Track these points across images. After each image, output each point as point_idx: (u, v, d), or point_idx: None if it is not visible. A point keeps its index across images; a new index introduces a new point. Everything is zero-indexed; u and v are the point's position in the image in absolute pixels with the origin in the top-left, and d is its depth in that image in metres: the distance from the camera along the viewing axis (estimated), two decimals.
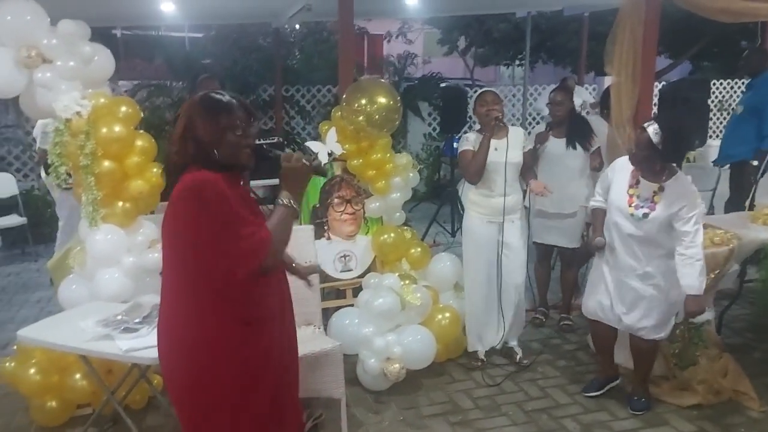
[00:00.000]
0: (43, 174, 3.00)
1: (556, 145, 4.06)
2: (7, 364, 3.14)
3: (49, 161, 3.01)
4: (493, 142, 3.53)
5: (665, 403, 3.33)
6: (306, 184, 1.89)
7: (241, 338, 1.86)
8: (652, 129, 2.93)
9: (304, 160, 1.84)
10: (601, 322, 3.29)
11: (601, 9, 6.93)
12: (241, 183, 1.92)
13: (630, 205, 3.06)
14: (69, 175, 3.05)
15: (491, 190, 3.61)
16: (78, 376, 3.05)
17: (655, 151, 2.94)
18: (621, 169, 3.17)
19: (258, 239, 1.78)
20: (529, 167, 3.75)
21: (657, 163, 3.01)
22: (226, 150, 1.80)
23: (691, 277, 2.90)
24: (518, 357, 3.79)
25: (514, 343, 3.84)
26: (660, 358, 3.49)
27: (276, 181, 1.87)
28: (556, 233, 4.19)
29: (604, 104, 4.66)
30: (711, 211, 5.34)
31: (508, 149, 3.52)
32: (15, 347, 3.19)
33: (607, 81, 4.70)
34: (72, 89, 2.94)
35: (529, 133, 4.28)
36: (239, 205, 1.79)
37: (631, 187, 3.09)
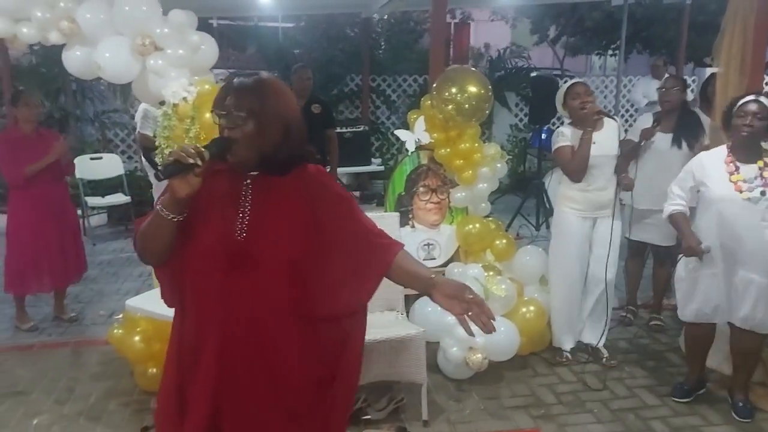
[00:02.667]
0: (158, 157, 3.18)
1: (660, 139, 3.88)
2: (115, 330, 3.39)
3: (156, 143, 3.20)
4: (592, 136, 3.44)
5: (762, 411, 3.16)
6: (172, 195, 1.49)
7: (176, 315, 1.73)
8: (764, 98, 2.89)
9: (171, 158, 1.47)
10: (701, 325, 3.15)
11: None
12: (245, 182, 1.62)
13: (741, 192, 2.91)
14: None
15: (588, 184, 3.51)
16: None
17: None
18: (712, 164, 3.02)
19: (137, 221, 1.69)
20: (625, 160, 3.61)
21: (766, 135, 2.92)
22: None
23: None
24: (604, 357, 3.69)
25: (600, 344, 3.74)
26: (758, 364, 3.32)
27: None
28: (650, 230, 4.03)
29: (703, 96, 4.43)
30: None
31: (604, 142, 3.42)
32: (121, 315, 3.44)
33: (707, 73, 4.46)
34: (180, 76, 3.11)
35: (627, 128, 4.12)
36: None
37: (732, 174, 2.95)
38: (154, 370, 3.31)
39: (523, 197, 6.50)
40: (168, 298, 1.72)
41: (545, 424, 3.11)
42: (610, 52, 13.30)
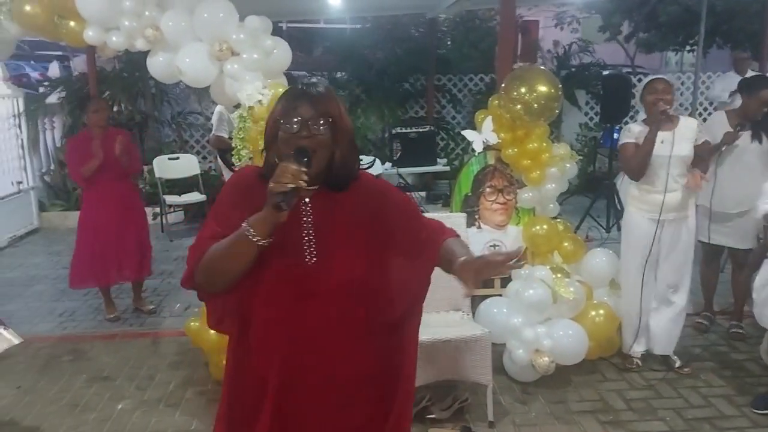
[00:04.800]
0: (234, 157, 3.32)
1: (743, 138, 3.71)
2: (192, 323, 3.56)
3: (233, 145, 3.33)
4: (660, 134, 3.32)
5: None
6: (273, 210, 1.39)
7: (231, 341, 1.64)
8: None
9: (272, 182, 1.38)
10: None
11: None
12: (304, 200, 1.52)
13: None
14: (250, 159, 3.36)
15: (653, 185, 3.40)
16: None
17: None
18: None
19: (192, 247, 1.54)
20: (702, 160, 3.47)
21: None
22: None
23: None
24: (677, 364, 3.57)
25: (669, 352, 3.61)
26: None
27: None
28: (728, 233, 3.86)
29: None
30: None
31: (675, 142, 3.30)
32: (198, 309, 3.60)
33: None
34: (255, 79, 3.24)
35: (704, 120, 3.96)
36: (233, 209, 1.51)
37: None
38: None
39: (593, 198, 6.34)
40: (223, 326, 1.62)
41: (614, 430, 3.04)
42: (687, 47, 12.74)
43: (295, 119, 1.46)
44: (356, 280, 1.52)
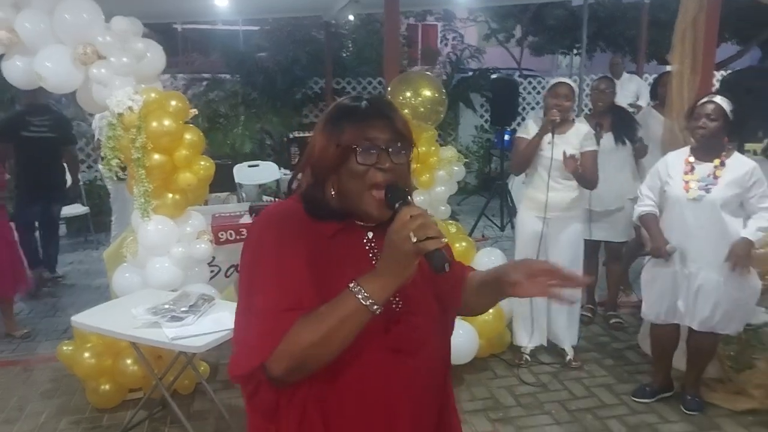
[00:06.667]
0: (100, 166, 3.11)
1: (604, 140, 3.91)
2: (65, 348, 3.30)
3: (102, 154, 3.12)
4: (548, 136, 3.43)
5: (719, 408, 3.20)
6: (408, 269, 1.12)
7: None
8: (719, 99, 2.91)
9: (413, 235, 1.08)
10: (667, 325, 3.17)
11: None
12: (367, 236, 1.26)
13: (688, 191, 2.95)
14: (122, 168, 3.16)
15: (537, 185, 3.53)
16: (129, 361, 3.17)
17: (726, 120, 2.89)
18: (673, 163, 3.06)
19: (258, 326, 1.14)
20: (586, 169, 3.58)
21: (724, 135, 2.95)
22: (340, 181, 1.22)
23: (752, 226, 2.92)
24: (568, 358, 3.70)
25: (566, 346, 3.73)
26: (715, 360, 3.36)
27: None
28: (606, 228, 4.07)
29: (653, 94, 4.51)
30: None
31: (559, 146, 3.41)
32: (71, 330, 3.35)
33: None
34: (125, 85, 3.04)
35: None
36: (299, 262, 1.16)
37: (686, 173, 3.00)
38: (107, 386, 3.25)
39: (488, 198, 6.53)
40: (278, 415, 1.23)
41: (504, 426, 3.10)
42: (574, 51, 13.44)
43: (372, 147, 1.18)
44: (438, 314, 1.30)
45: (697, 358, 3.17)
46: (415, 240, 1.07)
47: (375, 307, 1.11)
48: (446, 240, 1.11)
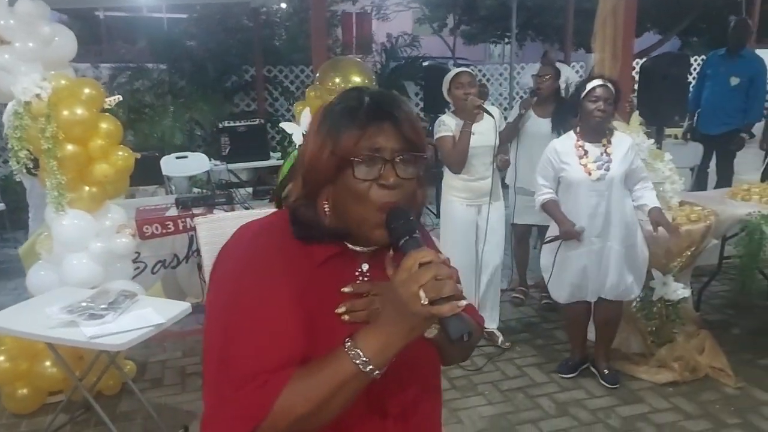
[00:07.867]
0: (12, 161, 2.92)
1: (540, 124, 4.00)
2: None
3: (8, 146, 2.93)
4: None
5: (641, 381, 3.33)
6: (416, 331, 0.97)
7: None
8: (607, 81, 3.05)
9: (424, 296, 0.91)
10: (578, 303, 3.27)
11: None
12: (360, 268, 1.11)
13: (590, 174, 3.06)
14: (33, 161, 2.97)
15: (469, 174, 3.56)
16: (48, 363, 3.02)
17: (616, 100, 3.05)
18: (565, 150, 3.14)
19: (253, 401, 0.95)
20: (503, 142, 3.70)
21: (613, 114, 3.12)
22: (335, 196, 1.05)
23: (650, 195, 3.15)
24: (500, 340, 3.77)
25: (493, 327, 3.81)
26: (637, 334, 3.50)
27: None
28: (534, 212, 4.14)
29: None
30: (694, 188, 5.33)
31: (485, 132, 3.47)
32: None
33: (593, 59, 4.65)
34: (32, 71, 2.86)
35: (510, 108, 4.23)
36: (285, 304, 1.00)
37: (581, 158, 3.10)
38: (24, 390, 3.07)
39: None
40: None
41: None
42: (506, 40, 13.70)
43: (374, 159, 1.00)
44: (429, 352, 1.15)
45: (606, 330, 3.32)
46: (426, 302, 0.90)
47: (376, 372, 0.95)
48: (466, 302, 0.93)
